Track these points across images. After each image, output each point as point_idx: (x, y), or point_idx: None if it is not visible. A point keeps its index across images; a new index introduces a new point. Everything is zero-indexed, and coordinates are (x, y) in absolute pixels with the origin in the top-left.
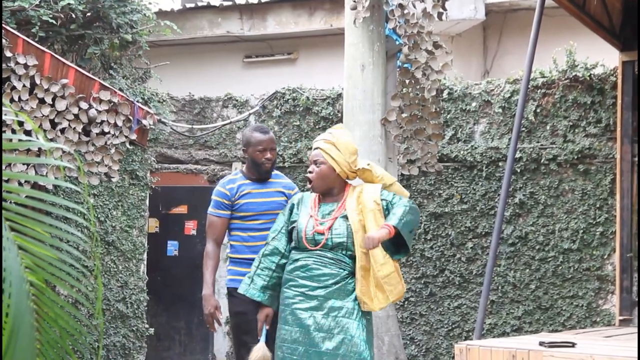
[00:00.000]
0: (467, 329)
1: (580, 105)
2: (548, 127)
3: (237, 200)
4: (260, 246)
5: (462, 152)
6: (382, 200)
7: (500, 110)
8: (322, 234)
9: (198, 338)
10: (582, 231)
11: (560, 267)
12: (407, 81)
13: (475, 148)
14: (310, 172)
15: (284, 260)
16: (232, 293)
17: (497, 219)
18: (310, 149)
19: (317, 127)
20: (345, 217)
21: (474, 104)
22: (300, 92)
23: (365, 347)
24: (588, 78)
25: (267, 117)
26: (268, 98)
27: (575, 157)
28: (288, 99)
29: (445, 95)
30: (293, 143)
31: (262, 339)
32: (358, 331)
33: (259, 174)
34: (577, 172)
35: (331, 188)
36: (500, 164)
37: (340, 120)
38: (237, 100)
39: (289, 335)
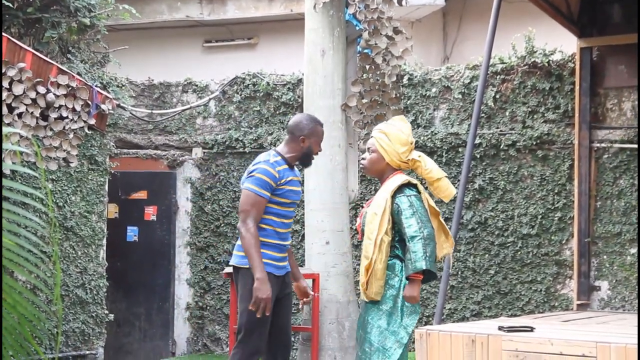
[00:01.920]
0: (427, 314)
1: (539, 92)
2: (507, 113)
3: (282, 185)
4: (287, 234)
5: (422, 138)
6: (395, 203)
7: (460, 96)
8: (359, 224)
9: (158, 324)
10: (540, 216)
11: (519, 252)
12: (367, 67)
13: (435, 134)
14: (363, 158)
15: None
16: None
17: (456, 204)
18: (271, 134)
19: (277, 112)
20: (370, 207)
21: (434, 90)
22: (261, 77)
23: (376, 330)
24: (546, 64)
25: (227, 102)
26: (228, 83)
27: (534, 143)
28: (248, 84)
29: (405, 81)
30: (253, 128)
31: None
32: (371, 311)
33: (306, 165)
34: (535, 158)
35: (381, 175)
36: (460, 149)
37: (301, 106)
38: (197, 86)
39: None
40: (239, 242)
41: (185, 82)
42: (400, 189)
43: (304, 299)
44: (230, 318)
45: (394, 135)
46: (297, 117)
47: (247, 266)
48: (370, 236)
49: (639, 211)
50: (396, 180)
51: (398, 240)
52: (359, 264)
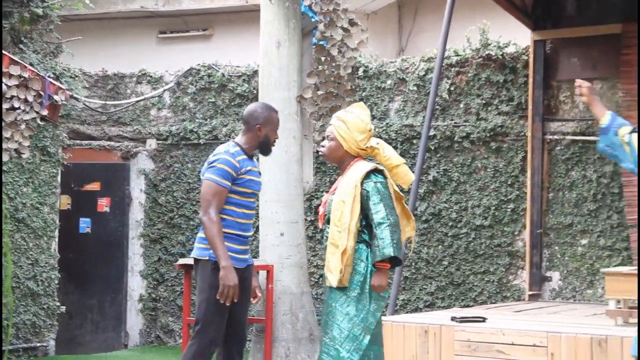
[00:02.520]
0: None
1: (493, 84)
2: (462, 105)
3: (242, 175)
4: (249, 225)
5: (377, 130)
6: (363, 189)
7: (415, 88)
8: (322, 212)
9: (111, 316)
10: (493, 208)
11: (472, 244)
12: (322, 58)
13: (390, 126)
14: (322, 146)
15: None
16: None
17: (411, 196)
18: (226, 125)
19: (232, 104)
20: (334, 194)
21: (389, 82)
22: (216, 68)
23: (345, 317)
24: (501, 57)
25: (182, 93)
26: (183, 74)
27: (488, 135)
28: (203, 76)
29: (360, 72)
30: (208, 120)
31: None
32: (338, 297)
33: (265, 153)
34: (489, 150)
35: (340, 163)
36: (414, 141)
37: (256, 97)
38: (151, 77)
39: None
40: (200, 234)
41: (140, 73)
42: (367, 175)
43: (252, 300)
44: (183, 310)
45: (352, 123)
46: (251, 107)
47: (207, 258)
48: (338, 223)
49: (638, 210)
50: (362, 166)
51: (365, 225)
52: (313, 255)
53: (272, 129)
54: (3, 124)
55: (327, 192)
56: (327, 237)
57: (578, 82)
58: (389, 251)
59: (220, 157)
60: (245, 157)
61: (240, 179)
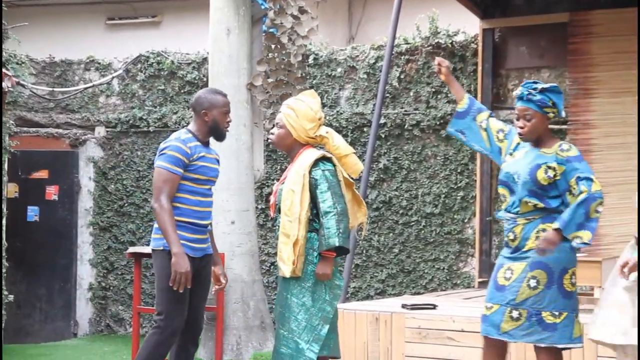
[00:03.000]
0: None
1: None
2: (411, 93)
3: (194, 162)
4: (207, 212)
5: (327, 118)
6: (311, 177)
7: (365, 76)
8: (273, 202)
9: (59, 305)
10: (444, 196)
11: (422, 231)
12: (272, 46)
13: (341, 113)
14: (272, 133)
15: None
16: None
17: (361, 184)
18: (176, 113)
19: (182, 91)
20: (284, 183)
21: (339, 70)
22: (165, 55)
23: (295, 303)
24: (450, 45)
25: (131, 80)
26: (132, 61)
27: (438, 122)
28: (152, 63)
29: (311, 60)
30: (158, 107)
31: None
32: (291, 288)
33: (219, 138)
34: (439, 138)
35: (290, 151)
36: (365, 129)
37: (206, 85)
38: (99, 63)
39: None
40: (156, 225)
41: (88, 60)
42: (315, 163)
43: (216, 286)
44: (134, 298)
45: (301, 112)
46: (197, 93)
47: (161, 248)
48: (289, 213)
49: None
50: (310, 155)
51: (316, 214)
52: (264, 243)
53: (219, 112)
54: None
55: (277, 180)
56: (279, 226)
57: (438, 59)
58: (334, 241)
59: (170, 144)
60: (197, 143)
61: (193, 165)
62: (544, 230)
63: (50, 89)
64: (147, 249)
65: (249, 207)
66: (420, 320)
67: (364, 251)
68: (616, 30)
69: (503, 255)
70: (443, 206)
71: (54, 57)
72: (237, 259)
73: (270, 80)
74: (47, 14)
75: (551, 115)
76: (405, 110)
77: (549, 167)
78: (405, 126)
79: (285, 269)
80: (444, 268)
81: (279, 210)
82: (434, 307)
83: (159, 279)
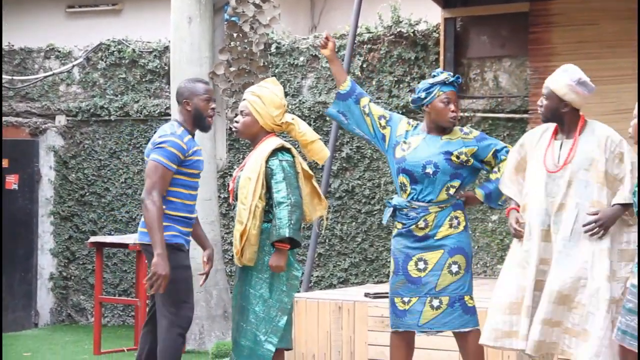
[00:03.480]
0: None
1: (405, 61)
2: (374, 82)
3: (190, 157)
4: (194, 206)
5: (290, 107)
6: (268, 167)
7: (328, 65)
8: (231, 188)
9: (20, 295)
10: None
11: None
12: (234, 35)
13: (303, 102)
14: (236, 121)
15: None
16: (180, 248)
17: (324, 173)
18: (137, 102)
19: (143, 80)
20: (243, 170)
21: (301, 59)
22: (126, 44)
23: (259, 300)
24: (412, 34)
25: (92, 69)
26: (92, 50)
27: (400, 112)
28: (113, 51)
29: (273, 49)
30: (119, 96)
31: None
32: (249, 278)
33: (204, 128)
34: None
35: (254, 139)
36: (327, 118)
37: (168, 74)
38: (59, 52)
39: None
40: (143, 219)
41: (48, 48)
42: (273, 153)
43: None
44: (95, 288)
45: (267, 98)
46: (179, 84)
47: (180, 243)
48: (244, 201)
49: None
50: (270, 143)
51: (272, 204)
52: (227, 233)
53: (201, 100)
54: None
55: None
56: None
57: (326, 33)
58: (285, 232)
59: (168, 139)
60: (190, 137)
61: (188, 160)
62: (456, 217)
63: (10, 77)
64: (108, 239)
65: (211, 197)
66: (383, 308)
67: (327, 240)
68: (576, 20)
69: (406, 246)
70: None
71: (13, 45)
72: (200, 249)
73: (232, 69)
74: (6, 2)
75: None
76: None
77: (460, 153)
78: None
79: (236, 258)
80: None
81: (236, 197)
82: None
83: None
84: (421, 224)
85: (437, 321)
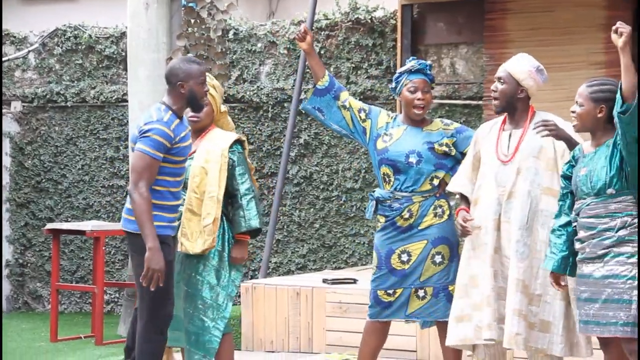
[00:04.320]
0: (253, 268)
1: (362, 48)
2: (332, 69)
3: (177, 144)
4: (179, 193)
5: (248, 93)
6: (230, 158)
7: (286, 51)
8: None
9: None
10: (364, 171)
11: (343, 206)
12: (192, 21)
13: (261, 89)
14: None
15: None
16: (165, 241)
17: (282, 159)
18: (94, 88)
19: (100, 66)
20: (192, 158)
21: (259, 45)
22: (83, 29)
23: (206, 282)
24: (369, 21)
25: (48, 55)
26: (48, 35)
27: (358, 98)
28: (70, 37)
29: (231, 35)
30: (76, 82)
31: None
32: (200, 267)
33: (197, 109)
34: None
35: (204, 128)
36: (285, 104)
37: (125, 60)
38: (15, 37)
39: None
40: (128, 205)
41: (3, 34)
42: (233, 145)
43: None
44: (52, 275)
45: (219, 88)
46: (170, 63)
47: (166, 234)
48: (197, 190)
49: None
50: (221, 134)
51: (224, 195)
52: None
53: (196, 82)
54: None
55: None
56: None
57: (303, 26)
58: (255, 223)
59: (154, 127)
60: (178, 121)
61: (176, 148)
62: (440, 206)
63: None
64: (65, 226)
65: None
66: (341, 294)
67: (285, 226)
68: (531, 7)
69: (389, 239)
70: (363, 181)
71: None
72: None
73: (190, 55)
74: None
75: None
76: None
77: (442, 144)
78: None
79: (193, 245)
80: (364, 243)
81: (184, 186)
82: (355, 281)
83: (141, 265)
84: (405, 214)
85: (422, 311)
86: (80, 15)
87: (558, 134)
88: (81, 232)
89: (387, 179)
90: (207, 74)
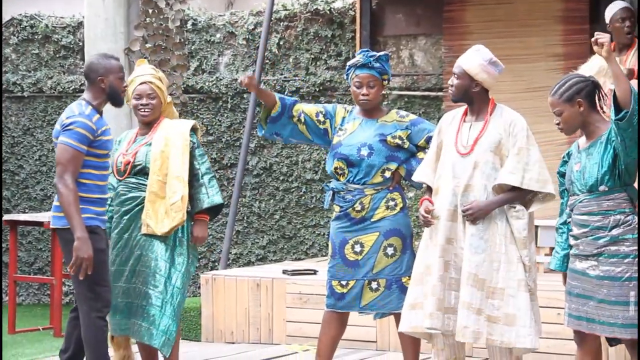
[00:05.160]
0: (212, 259)
1: (322, 39)
2: (291, 60)
3: (99, 137)
4: (106, 187)
5: (207, 84)
6: (191, 141)
7: (245, 42)
8: (128, 163)
9: None
10: (323, 162)
11: (303, 197)
12: (150, 11)
13: (220, 79)
14: (145, 104)
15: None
16: (95, 231)
17: (242, 150)
18: (51, 78)
19: (57, 55)
20: (149, 145)
21: (218, 36)
22: (39, 19)
23: (165, 265)
24: (328, 12)
25: (4, 44)
26: (4, 25)
27: (317, 89)
28: (26, 26)
29: (189, 26)
30: (32, 72)
31: None
32: (158, 249)
33: (118, 104)
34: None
35: (154, 121)
36: (245, 95)
37: (82, 49)
38: None
39: (112, 256)
40: (56, 203)
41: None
42: (192, 129)
43: None
44: (9, 267)
45: (164, 79)
46: (89, 59)
47: (96, 225)
48: (159, 173)
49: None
50: (180, 121)
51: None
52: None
53: (116, 77)
54: None
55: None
56: (139, 185)
57: (241, 80)
58: (219, 198)
59: (76, 119)
60: (98, 116)
61: (98, 140)
62: (392, 199)
63: None
64: (22, 217)
65: None
66: (301, 285)
67: (245, 217)
68: None
69: (342, 229)
70: (323, 172)
71: None
72: None
73: (148, 45)
74: None
75: (385, 83)
76: (285, 77)
77: (395, 137)
78: (285, 92)
79: (159, 226)
80: (324, 234)
81: (140, 171)
82: (315, 272)
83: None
84: (357, 206)
85: (376, 303)
86: (36, 5)
87: (477, 219)
88: (39, 224)
89: (340, 172)
90: (152, 66)
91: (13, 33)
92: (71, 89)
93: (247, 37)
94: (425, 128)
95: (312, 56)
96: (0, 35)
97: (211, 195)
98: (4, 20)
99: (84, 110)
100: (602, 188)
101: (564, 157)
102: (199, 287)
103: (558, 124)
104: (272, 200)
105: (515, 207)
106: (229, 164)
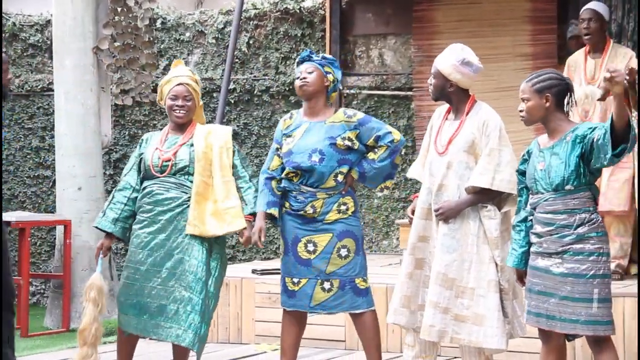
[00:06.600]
0: None
1: (291, 38)
2: (261, 59)
3: None
4: None
5: None
6: (233, 146)
7: (214, 41)
8: (168, 160)
9: None
10: None
11: None
12: (119, 9)
13: None
14: (181, 106)
15: (135, 194)
16: None
17: None
18: (19, 77)
19: (25, 54)
20: (191, 145)
21: (187, 34)
22: (6, 17)
23: (203, 268)
24: (298, 11)
25: None
26: None
27: (287, 88)
28: None
29: (158, 24)
30: None
31: (98, 269)
32: (199, 253)
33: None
34: (289, 104)
35: (190, 122)
36: (214, 94)
37: (50, 48)
38: None
39: (134, 256)
40: None
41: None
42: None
43: None
44: None
45: (199, 81)
46: None
47: None
48: (204, 174)
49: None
50: (219, 127)
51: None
52: None
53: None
54: None
55: (126, 146)
56: (184, 185)
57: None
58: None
59: None
60: None
61: None
62: (344, 204)
63: None
64: None
65: (96, 173)
66: (270, 285)
67: None
68: None
69: (294, 226)
70: None
71: None
72: (85, 226)
73: (117, 43)
74: None
75: (330, 77)
76: (255, 76)
77: (344, 138)
78: (255, 92)
79: (202, 226)
80: None
81: (180, 170)
82: None
83: None
84: (309, 209)
85: (328, 303)
86: (3, 3)
87: (448, 218)
88: (6, 223)
89: (293, 175)
90: (189, 68)
91: None
92: (39, 87)
93: (216, 36)
94: (374, 127)
95: (282, 55)
96: (1, 36)
97: (255, 203)
98: None
99: None
100: (568, 187)
101: (523, 156)
102: None
103: (521, 111)
104: None
105: (487, 207)
106: None
